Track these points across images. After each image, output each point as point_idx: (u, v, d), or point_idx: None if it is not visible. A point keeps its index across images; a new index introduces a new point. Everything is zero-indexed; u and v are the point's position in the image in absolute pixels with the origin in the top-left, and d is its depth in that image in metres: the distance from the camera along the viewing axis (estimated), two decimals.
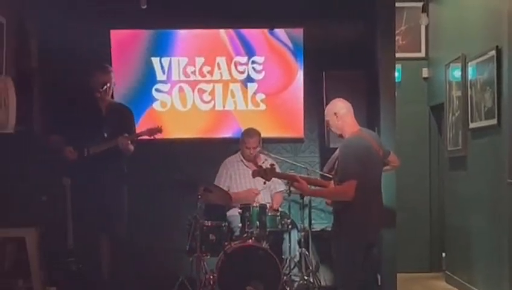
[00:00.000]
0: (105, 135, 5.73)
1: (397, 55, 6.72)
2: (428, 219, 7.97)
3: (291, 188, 5.77)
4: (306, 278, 6.04)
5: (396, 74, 6.94)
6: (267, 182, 6.29)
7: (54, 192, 5.64)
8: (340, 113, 4.67)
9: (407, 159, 7.10)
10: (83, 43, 6.46)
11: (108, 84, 5.73)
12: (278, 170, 5.42)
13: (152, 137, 5.77)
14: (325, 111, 4.83)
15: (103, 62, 6.11)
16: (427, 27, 7.89)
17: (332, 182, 4.73)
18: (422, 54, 8.01)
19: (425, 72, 8.03)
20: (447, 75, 7.16)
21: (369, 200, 4.50)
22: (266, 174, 4.87)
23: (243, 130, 6.52)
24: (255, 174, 4.98)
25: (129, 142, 5.72)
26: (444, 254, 7.62)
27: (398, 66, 7.26)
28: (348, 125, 4.67)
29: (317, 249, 6.59)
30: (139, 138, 5.79)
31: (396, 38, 7.04)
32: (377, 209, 4.61)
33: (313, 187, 4.89)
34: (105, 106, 5.84)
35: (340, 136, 4.72)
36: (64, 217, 5.86)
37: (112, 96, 6.04)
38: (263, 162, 6.40)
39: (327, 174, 4.97)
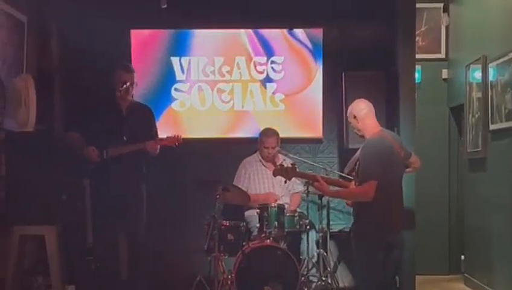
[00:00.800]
0: (126, 136, 5.69)
1: (417, 56, 6.68)
2: (448, 220, 7.92)
3: (311, 188, 5.76)
4: (324, 279, 6.02)
5: (416, 75, 6.90)
6: (285, 184, 6.34)
7: (74, 191, 5.66)
8: (360, 114, 4.66)
9: (426, 161, 7.02)
10: (103, 43, 6.47)
11: (128, 83, 5.68)
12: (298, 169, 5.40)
13: (173, 144, 5.74)
14: (347, 112, 4.83)
15: (122, 61, 6.11)
16: (447, 28, 7.84)
17: (353, 183, 4.71)
18: (443, 55, 7.95)
19: (445, 73, 7.97)
20: (467, 76, 7.10)
21: (390, 201, 4.49)
22: (287, 173, 4.86)
23: (261, 130, 6.50)
24: (276, 172, 4.96)
25: (158, 146, 5.70)
26: (463, 256, 7.56)
27: (418, 67, 7.22)
28: (369, 127, 4.66)
29: (335, 250, 6.57)
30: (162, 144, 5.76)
31: (417, 39, 7.00)
32: (397, 210, 4.60)
33: (332, 188, 4.87)
34: (126, 105, 5.81)
35: (362, 137, 4.71)
36: (84, 216, 5.89)
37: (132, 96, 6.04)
38: (282, 162, 6.39)
39: (347, 175, 4.95)
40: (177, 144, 5.73)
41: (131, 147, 5.62)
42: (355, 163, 4.63)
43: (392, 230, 4.58)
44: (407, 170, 4.87)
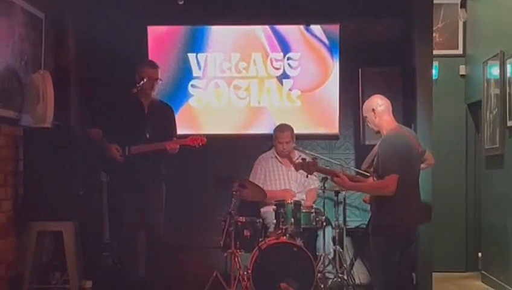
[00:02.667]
0: (148, 133, 5.69)
1: (434, 52, 6.62)
2: (465, 217, 7.87)
3: (327, 184, 5.75)
4: (340, 275, 6.00)
5: (433, 71, 6.86)
6: (301, 180, 6.34)
7: (91, 187, 5.68)
8: (378, 109, 4.66)
9: (443, 157, 7.02)
10: (120, 39, 6.49)
11: (145, 80, 5.65)
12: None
13: (195, 145, 5.71)
14: (363, 107, 4.82)
15: (142, 57, 6.12)
16: (464, 24, 7.78)
17: (370, 179, 4.71)
18: (460, 51, 7.90)
19: (462, 70, 7.92)
20: (485, 72, 7.04)
21: (408, 196, 4.49)
22: (308, 167, 4.86)
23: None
24: (297, 167, 4.95)
25: (178, 146, 5.68)
26: (480, 253, 7.51)
27: (435, 63, 7.17)
28: (385, 122, 4.66)
29: (352, 246, 6.55)
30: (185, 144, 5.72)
31: (434, 35, 6.94)
32: (416, 206, 4.60)
33: None
34: (148, 103, 5.80)
35: (378, 132, 4.71)
36: (101, 212, 5.91)
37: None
38: (297, 159, 6.37)
39: (363, 172, 4.93)
40: (200, 144, 5.70)
41: (153, 146, 5.59)
42: (373, 158, 4.62)
43: (411, 225, 4.60)
44: (421, 166, 4.85)
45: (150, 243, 5.79)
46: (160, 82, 5.92)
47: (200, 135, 5.74)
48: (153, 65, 5.87)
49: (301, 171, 6.26)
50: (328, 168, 5.97)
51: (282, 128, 6.40)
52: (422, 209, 4.80)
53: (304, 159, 5.00)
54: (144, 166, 5.62)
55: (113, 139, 5.62)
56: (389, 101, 4.73)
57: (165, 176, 5.86)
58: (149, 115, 5.78)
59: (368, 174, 4.86)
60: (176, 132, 5.92)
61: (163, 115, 5.88)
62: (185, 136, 5.78)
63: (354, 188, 4.99)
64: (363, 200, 5.25)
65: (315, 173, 6.37)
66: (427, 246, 6.17)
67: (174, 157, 5.79)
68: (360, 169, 5.75)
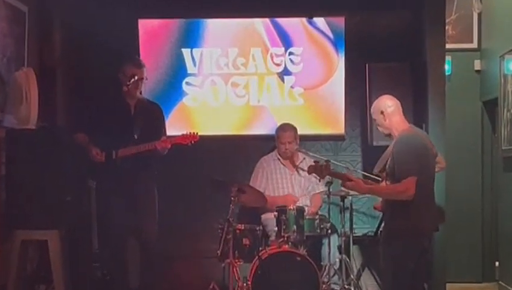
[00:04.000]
0: (136, 135, 5.72)
1: (447, 46, 6.65)
2: (481, 224, 7.87)
3: (338, 187, 5.74)
4: (346, 286, 6.02)
5: (446, 67, 6.87)
6: (304, 185, 6.36)
7: (79, 193, 5.69)
8: (388, 111, 4.69)
9: (457, 159, 7.04)
10: (109, 34, 6.50)
11: (136, 78, 5.71)
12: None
13: (187, 143, 5.74)
14: (371, 109, 4.84)
15: (130, 54, 6.14)
16: (479, 15, 7.79)
17: (383, 183, 4.72)
18: (475, 45, 7.90)
19: (477, 65, 7.92)
20: (502, 67, 7.05)
21: (426, 200, 4.53)
22: (321, 171, 4.82)
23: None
24: (310, 170, 4.90)
25: (169, 145, 5.71)
26: (497, 263, 7.52)
27: (448, 58, 7.17)
28: (396, 124, 4.68)
29: (359, 255, 6.56)
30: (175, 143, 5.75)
31: (446, 27, 6.96)
32: (432, 210, 4.64)
33: None
34: (135, 103, 5.84)
35: (388, 135, 4.73)
36: (89, 219, 5.93)
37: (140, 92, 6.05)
38: (301, 161, 6.42)
39: (370, 175, 4.93)
40: (192, 142, 5.73)
41: (141, 147, 5.63)
42: (386, 162, 4.62)
43: (428, 231, 4.64)
44: None
45: (143, 252, 5.81)
46: (153, 80, 5.95)
47: (192, 132, 5.74)
48: (138, 64, 5.90)
49: (305, 174, 6.33)
50: (340, 171, 6.01)
51: (285, 127, 6.43)
52: (437, 214, 4.82)
53: (316, 162, 4.96)
54: (133, 169, 5.64)
55: (100, 142, 5.65)
56: (398, 101, 4.75)
57: (157, 179, 5.88)
58: (136, 116, 5.81)
59: (379, 178, 4.86)
60: (165, 131, 5.95)
61: (151, 115, 5.91)
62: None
63: (370, 192, 4.92)
64: (374, 207, 5.23)
65: None
66: (440, 255, 6.19)
67: (167, 160, 5.80)
68: (366, 172, 5.77)
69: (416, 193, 4.38)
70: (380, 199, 4.91)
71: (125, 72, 5.74)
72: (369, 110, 6.22)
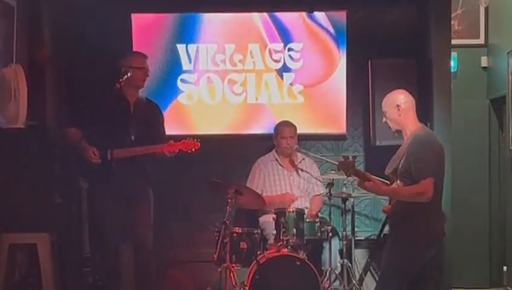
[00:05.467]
0: (133, 135, 5.68)
1: (453, 41, 6.66)
2: (488, 227, 7.87)
3: (339, 189, 5.72)
4: None
5: (452, 63, 6.88)
6: (303, 186, 6.37)
7: (70, 194, 5.70)
8: (403, 106, 4.66)
9: (463, 159, 7.05)
10: (101, 29, 6.50)
11: (129, 74, 5.64)
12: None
13: (188, 150, 5.68)
14: (384, 101, 4.77)
15: (123, 49, 6.14)
16: (486, 10, 7.79)
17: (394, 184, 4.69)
18: (482, 41, 7.90)
19: (484, 61, 7.92)
20: (510, 64, 7.06)
21: (437, 204, 4.55)
22: (348, 168, 4.67)
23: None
24: (340, 166, 4.81)
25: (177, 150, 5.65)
26: (505, 268, 7.53)
27: (453, 54, 7.18)
28: (410, 122, 4.67)
29: (361, 260, 6.57)
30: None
31: (452, 22, 6.97)
32: (442, 214, 4.67)
33: None
34: (134, 101, 5.79)
35: (398, 132, 4.71)
36: (81, 222, 5.93)
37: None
38: (300, 161, 6.43)
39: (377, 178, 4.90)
40: (193, 150, 5.69)
41: (141, 150, 5.60)
42: (399, 161, 4.60)
43: (439, 237, 4.66)
44: None
45: (137, 256, 5.81)
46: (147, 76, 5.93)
47: (194, 139, 5.68)
48: (142, 54, 5.92)
49: (304, 175, 6.34)
50: (331, 173, 6.03)
51: (286, 122, 6.47)
52: (444, 217, 4.83)
53: (346, 157, 4.74)
54: (128, 171, 5.63)
55: (94, 141, 5.62)
56: (413, 99, 4.74)
57: (153, 182, 5.88)
58: (134, 115, 5.77)
59: (387, 181, 4.82)
60: (164, 132, 5.93)
61: (150, 115, 5.88)
62: (174, 137, 5.73)
63: (389, 193, 4.83)
64: (384, 211, 5.15)
65: (320, 178, 6.43)
66: (446, 259, 6.19)
67: (161, 161, 5.80)
68: (370, 173, 5.76)
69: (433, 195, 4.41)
70: (388, 202, 4.89)
71: (128, 65, 5.69)
72: (372, 108, 6.26)
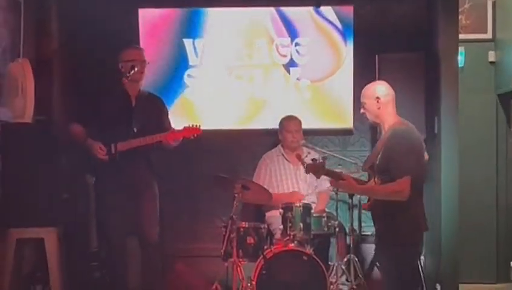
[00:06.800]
0: (136, 128, 5.70)
1: (460, 36, 6.63)
2: (495, 223, 7.85)
3: (336, 186, 5.69)
4: (355, 287, 6.02)
5: (460, 58, 6.86)
6: (310, 181, 6.36)
7: (76, 189, 5.71)
8: (383, 100, 4.53)
9: (471, 154, 7.03)
10: (108, 24, 6.52)
11: (136, 69, 5.69)
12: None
13: (190, 136, 5.71)
14: (363, 92, 4.66)
15: (131, 44, 6.14)
16: (494, 4, 7.77)
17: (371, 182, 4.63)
18: (489, 35, 7.87)
19: (492, 56, 7.90)
20: None
21: (418, 201, 4.41)
22: (318, 170, 4.70)
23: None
24: (308, 169, 4.84)
25: (181, 138, 5.69)
26: None
27: (461, 49, 7.16)
28: (388, 114, 4.53)
29: (368, 255, 6.56)
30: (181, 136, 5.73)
31: (460, 17, 6.95)
32: (423, 212, 4.49)
33: None
34: (136, 95, 5.81)
35: (375, 124, 4.65)
36: (87, 217, 5.94)
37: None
38: (306, 156, 6.40)
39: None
40: (195, 135, 5.71)
41: (145, 140, 5.61)
42: (376, 157, 4.54)
43: (420, 235, 4.48)
44: None
45: (143, 251, 5.83)
46: (153, 72, 5.96)
47: (194, 125, 5.71)
48: (135, 47, 5.96)
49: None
50: (338, 169, 6.00)
51: (291, 117, 6.47)
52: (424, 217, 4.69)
53: (314, 160, 4.83)
54: (133, 164, 5.64)
55: (98, 136, 5.63)
56: (393, 92, 4.61)
57: (157, 176, 5.89)
58: (137, 108, 5.79)
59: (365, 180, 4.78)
60: (170, 124, 5.94)
61: (153, 107, 5.89)
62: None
63: (364, 192, 4.83)
64: (363, 208, 5.10)
65: None
66: (452, 255, 6.18)
67: (167, 155, 5.80)
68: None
69: (413, 193, 4.26)
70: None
71: (126, 58, 5.73)
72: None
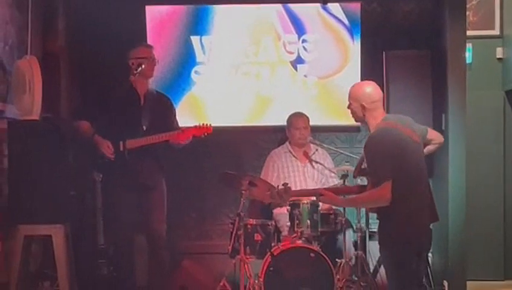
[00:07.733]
0: (145, 126, 5.71)
1: (468, 33, 6.61)
2: (503, 219, 7.83)
3: (354, 180, 5.70)
4: (363, 284, 6.01)
5: (467, 55, 6.84)
6: (318, 178, 6.35)
7: (84, 186, 5.71)
8: (369, 107, 4.44)
9: (478, 151, 7.01)
10: (115, 21, 6.52)
11: (143, 66, 5.69)
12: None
13: (201, 135, 5.71)
14: (349, 92, 4.60)
15: (137, 41, 6.14)
16: (502, 1, 7.73)
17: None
18: (497, 32, 7.85)
19: (499, 52, 7.87)
20: None
21: (414, 197, 4.31)
22: (281, 197, 4.71)
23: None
24: (266, 199, 4.80)
25: (191, 137, 5.68)
26: None
27: (468, 46, 7.14)
28: (373, 118, 4.45)
29: (376, 251, 6.55)
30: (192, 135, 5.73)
31: (467, 13, 6.93)
32: (425, 206, 4.41)
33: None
34: (144, 93, 5.81)
35: (364, 123, 4.57)
36: (95, 214, 5.94)
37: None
38: (313, 153, 6.42)
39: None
40: (206, 134, 5.70)
41: (155, 138, 5.62)
42: (361, 163, 4.48)
43: (421, 229, 4.39)
44: (428, 147, 4.66)
45: (151, 248, 5.83)
46: (160, 69, 5.96)
47: (205, 124, 5.71)
48: (147, 45, 5.95)
49: (318, 167, 6.34)
50: (345, 165, 6.00)
51: (298, 113, 6.46)
52: (433, 207, 4.56)
53: (272, 187, 4.80)
54: (141, 162, 5.65)
55: (106, 133, 5.64)
56: (381, 92, 4.54)
57: (166, 173, 5.88)
58: (145, 106, 5.79)
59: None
60: (177, 123, 5.95)
61: (161, 106, 5.89)
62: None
63: (346, 204, 4.81)
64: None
65: (333, 169, 6.42)
66: (460, 252, 6.17)
67: (176, 151, 5.80)
68: None
69: (396, 194, 4.19)
70: None
71: (136, 56, 5.72)
72: (386, 99, 6.23)
